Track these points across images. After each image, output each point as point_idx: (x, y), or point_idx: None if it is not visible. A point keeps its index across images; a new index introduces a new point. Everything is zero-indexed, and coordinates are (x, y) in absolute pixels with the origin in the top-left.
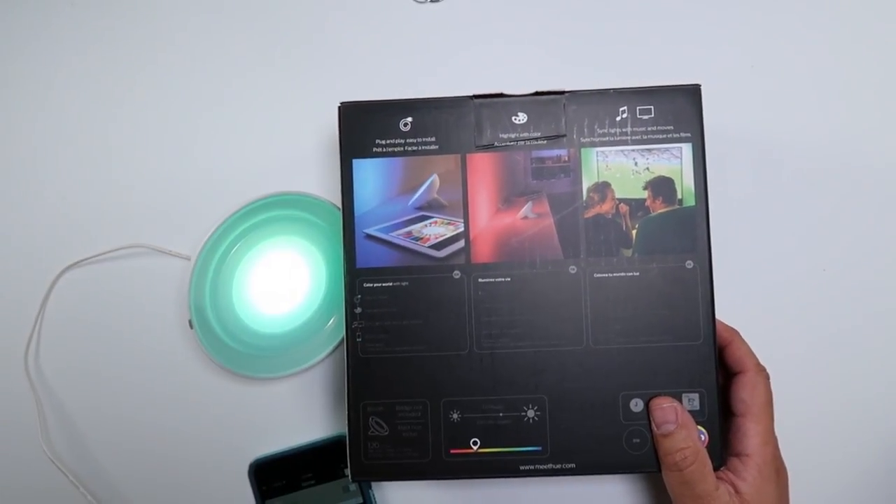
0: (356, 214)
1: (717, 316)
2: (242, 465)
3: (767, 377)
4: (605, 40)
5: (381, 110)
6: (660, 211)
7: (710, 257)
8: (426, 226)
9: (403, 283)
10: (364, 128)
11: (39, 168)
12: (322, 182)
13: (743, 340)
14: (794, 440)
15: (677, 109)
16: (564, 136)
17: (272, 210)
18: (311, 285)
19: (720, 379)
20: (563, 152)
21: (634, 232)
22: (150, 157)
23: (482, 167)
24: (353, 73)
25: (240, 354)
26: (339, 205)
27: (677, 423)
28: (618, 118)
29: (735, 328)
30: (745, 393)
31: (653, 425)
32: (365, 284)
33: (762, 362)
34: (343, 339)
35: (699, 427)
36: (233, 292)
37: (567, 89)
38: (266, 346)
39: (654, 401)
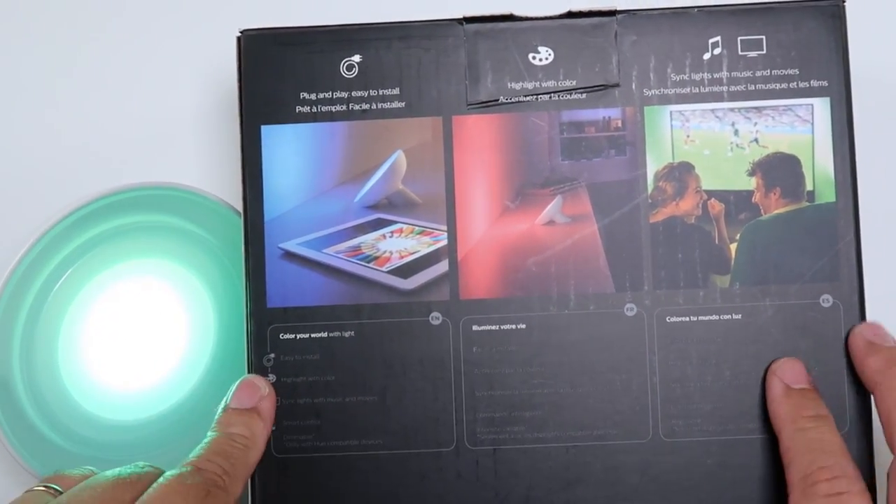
0: (266, 219)
1: None
2: None
3: None
4: None
5: (309, 44)
6: (777, 211)
7: (861, 290)
8: (385, 237)
9: (346, 334)
10: (281, 73)
11: None
12: (209, 168)
13: None
14: None
15: (805, 41)
16: (617, 85)
17: (124, 215)
18: (192, 340)
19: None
20: (614, 113)
21: (734, 247)
22: None
23: (479, 139)
24: None
25: (74, 458)
26: (238, 205)
27: None
28: (706, 56)
29: None
30: None
31: None
32: (282, 336)
33: None
34: None
35: None
36: (59, 355)
37: (620, 7)
38: (118, 444)
39: None
